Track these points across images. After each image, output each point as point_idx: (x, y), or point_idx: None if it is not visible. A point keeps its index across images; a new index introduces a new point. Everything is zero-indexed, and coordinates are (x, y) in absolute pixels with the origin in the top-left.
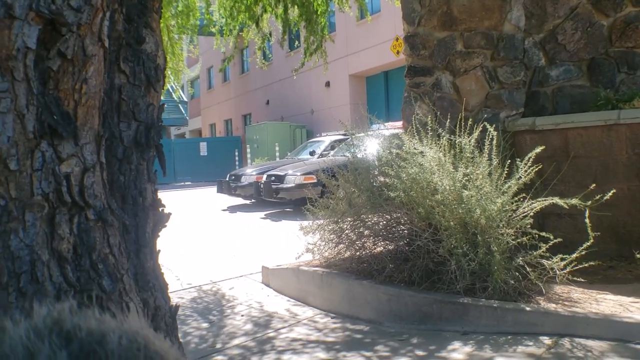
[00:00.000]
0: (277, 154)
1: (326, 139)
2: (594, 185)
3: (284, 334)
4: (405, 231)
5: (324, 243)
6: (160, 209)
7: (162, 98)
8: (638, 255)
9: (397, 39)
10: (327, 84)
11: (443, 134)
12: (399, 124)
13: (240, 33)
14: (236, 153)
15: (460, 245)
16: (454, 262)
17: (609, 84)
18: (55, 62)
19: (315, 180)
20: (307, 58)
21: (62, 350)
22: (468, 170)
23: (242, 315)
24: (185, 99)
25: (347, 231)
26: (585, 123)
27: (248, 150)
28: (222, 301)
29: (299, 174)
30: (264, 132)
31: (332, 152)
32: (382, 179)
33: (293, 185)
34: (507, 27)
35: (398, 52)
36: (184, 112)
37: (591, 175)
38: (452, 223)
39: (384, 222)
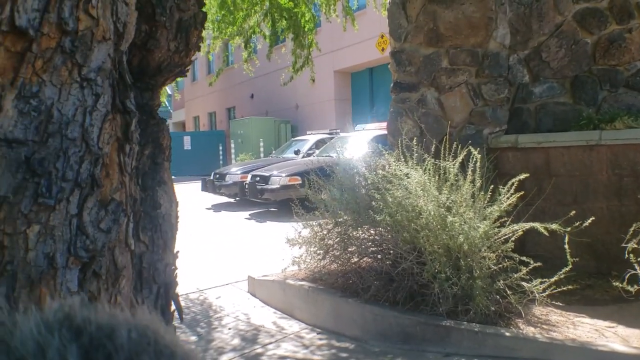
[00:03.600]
0: (262, 149)
1: (311, 138)
2: (575, 203)
3: (271, 350)
4: (391, 251)
5: (309, 256)
6: None
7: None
8: (614, 282)
9: (382, 36)
10: (312, 80)
11: (428, 158)
12: (384, 124)
13: (227, 38)
14: (220, 148)
15: (444, 270)
16: (437, 286)
17: (592, 101)
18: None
19: (300, 182)
20: (295, 73)
21: (71, 344)
22: (452, 197)
23: (230, 329)
24: (169, 92)
25: (332, 247)
26: (567, 142)
27: (232, 145)
28: (210, 312)
29: (284, 175)
30: (249, 127)
31: (316, 152)
32: (367, 198)
33: (278, 186)
34: (493, 44)
35: (383, 49)
36: (167, 104)
37: (572, 194)
38: (436, 247)
39: (370, 239)
